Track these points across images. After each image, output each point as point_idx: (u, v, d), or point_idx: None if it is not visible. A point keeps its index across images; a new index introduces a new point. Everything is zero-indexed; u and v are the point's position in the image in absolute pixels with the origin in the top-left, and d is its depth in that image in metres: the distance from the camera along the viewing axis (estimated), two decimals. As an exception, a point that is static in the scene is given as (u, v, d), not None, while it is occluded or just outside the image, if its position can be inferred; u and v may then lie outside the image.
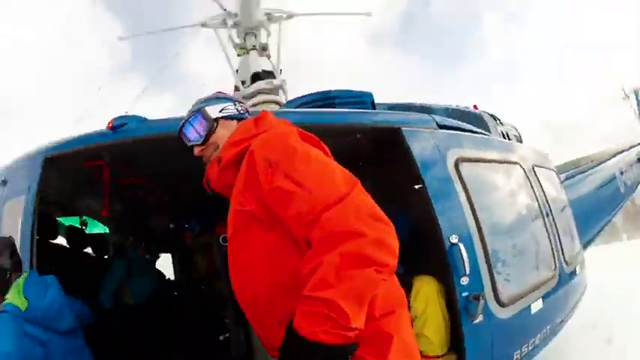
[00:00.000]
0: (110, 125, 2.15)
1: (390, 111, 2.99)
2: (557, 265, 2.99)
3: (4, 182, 2.64)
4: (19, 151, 2.56)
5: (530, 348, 2.58)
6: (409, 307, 2.48)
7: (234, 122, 1.48)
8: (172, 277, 5.04)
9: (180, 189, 3.22)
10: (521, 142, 3.95)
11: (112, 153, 2.32)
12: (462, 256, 2.22)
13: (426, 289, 2.35)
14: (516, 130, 4.02)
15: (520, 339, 2.53)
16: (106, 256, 4.11)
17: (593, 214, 4.96)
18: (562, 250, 3.13)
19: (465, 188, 2.46)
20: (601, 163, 5.49)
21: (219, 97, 1.54)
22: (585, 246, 4.41)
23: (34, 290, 1.75)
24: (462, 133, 2.78)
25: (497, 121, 3.78)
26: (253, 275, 1.21)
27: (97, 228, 4.36)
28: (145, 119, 2.22)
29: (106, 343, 2.41)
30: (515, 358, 2.48)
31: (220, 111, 1.47)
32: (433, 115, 2.69)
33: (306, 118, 2.36)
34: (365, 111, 2.77)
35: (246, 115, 1.52)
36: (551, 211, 3.20)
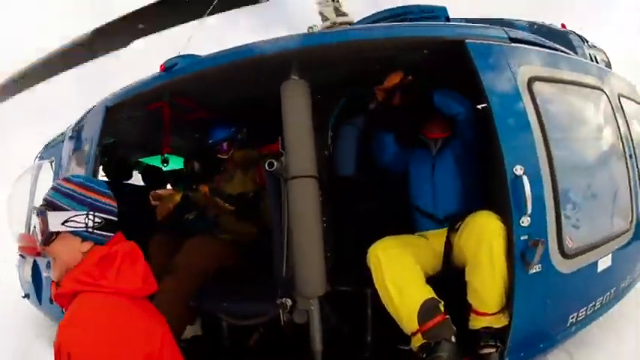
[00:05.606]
0: (162, 67, 2.28)
1: (457, 23, 2.67)
2: (635, 216, 2.42)
3: (72, 137, 2.95)
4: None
5: (588, 312, 2.12)
6: (450, 246, 2.09)
7: (78, 240, 1.25)
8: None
9: (239, 116, 3.06)
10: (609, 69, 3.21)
11: (169, 93, 2.52)
12: (524, 192, 1.74)
13: (487, 227, 1.87)
14: (605, 55, 3.27)
15: (579, 300, 2.07)
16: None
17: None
18: (643, 199, 2.54)
19: (537, 112, 1.96)
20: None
21: (71, 197, 1.26)
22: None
23: None
24: (540, 48, 2.19)
25: (586, 43, 3.08)
26: None
27: (180, 164, 4.24)
28: (194, 56, 2.28)
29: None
30: (569, 322, 2.04)
31: (63, 223, 1.23)
32: (507, 29, 2.15)
33: (373, 34, 2.17)
34: (428, 23, 2.50)
35: (96, 236, 1.26)
36: (634, 151, 2.57)
